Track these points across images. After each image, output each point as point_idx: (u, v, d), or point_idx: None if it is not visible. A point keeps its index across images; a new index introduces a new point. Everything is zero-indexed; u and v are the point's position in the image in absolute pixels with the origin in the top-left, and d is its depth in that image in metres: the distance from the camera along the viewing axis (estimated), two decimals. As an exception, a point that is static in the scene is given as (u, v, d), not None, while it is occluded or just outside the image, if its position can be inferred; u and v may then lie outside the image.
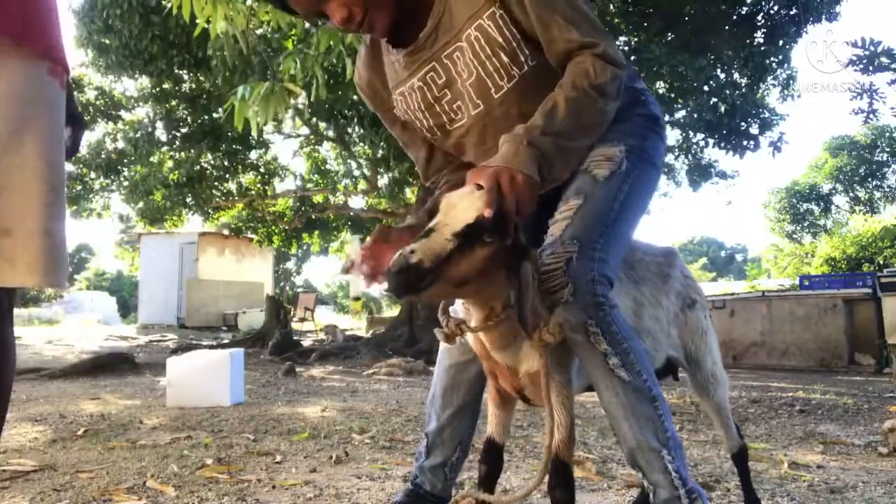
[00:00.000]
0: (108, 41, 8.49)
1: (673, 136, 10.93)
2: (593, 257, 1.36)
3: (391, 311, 26.75)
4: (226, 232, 17.01)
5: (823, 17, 8.66)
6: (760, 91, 10.39)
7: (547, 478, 1.34)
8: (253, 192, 12.71)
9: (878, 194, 22.24)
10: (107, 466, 2.68)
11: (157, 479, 2.44)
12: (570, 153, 1.40)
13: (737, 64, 9.29)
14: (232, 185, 12.39)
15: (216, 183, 11.92)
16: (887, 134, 21.07)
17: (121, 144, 11.39)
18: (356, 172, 13.49)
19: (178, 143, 11.20)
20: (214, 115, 10.64)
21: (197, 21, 4.01)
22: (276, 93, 4.08)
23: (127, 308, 31.95)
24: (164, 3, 8.22)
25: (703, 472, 2.64)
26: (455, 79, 1.48)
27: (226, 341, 12.01)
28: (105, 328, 17.80)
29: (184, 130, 11.10)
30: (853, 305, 8.50)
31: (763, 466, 2.76)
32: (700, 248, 53.80)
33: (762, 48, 9.25)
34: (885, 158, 21.92)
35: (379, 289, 1.37)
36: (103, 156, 11.37)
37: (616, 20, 9.08)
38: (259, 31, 7.34)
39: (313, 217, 14.07)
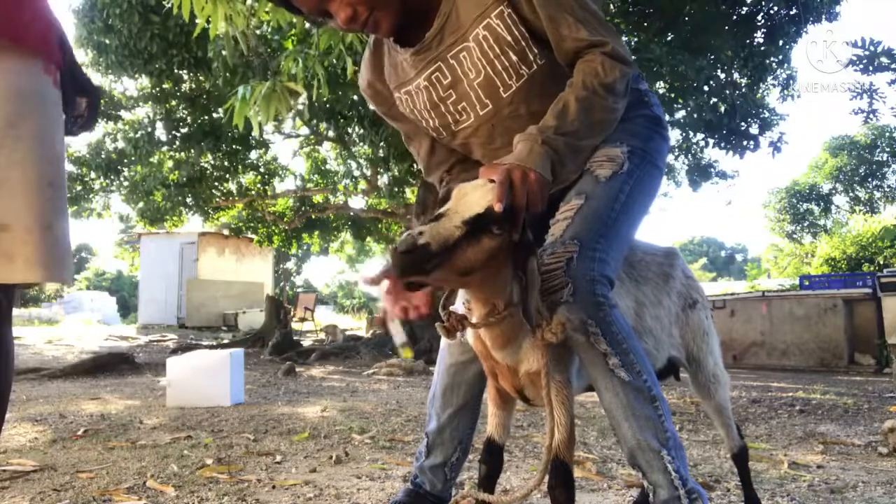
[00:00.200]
0: (107, 41, 8.49)
1: (673, 136, 10.93)
2: (594, 257, 1.36)
3: (391, 311, 26.71)
4: (226, 232, 17.02)
5: (823, 17, 8.66)
6: (760, 91, 10.39)
7: (547, 477, 1.35)
8: (253, 192, 12.71)
9: (878, 194, 22.22)
10: (107, 466, 2.68)
11: (157, 479, 2.44)
12: (581, 152, 1.40)
13: (737, 64, 9.29)
14: (232, 186, 12.39)
15: (216, 183, 11.92)
16: (887, 134, 21.05)
17: (121, 144, 11.39)
18: (356, 172, 13.49)
19: (178, 143, 11.19)
20: (214, 115, 10.63)
21: (197, 21, 4.00)
22: (278, 92, 4.08)
23: (127, 308, 31.98)
24: (163, 2, 8.23)
25: (703, 472, 2.64)
26: (461, 79, 1.48)
27: (226, 341, 12.02)
28: (105, 328, 17.80)
29: (184, 130, 11.09)
30: (853, 305, 8.50)
31: (763, 466, 2.76)
32: (700, 248, 53.81)
33: (762, 48, 9.25)
34: (885, 158, 21.90)
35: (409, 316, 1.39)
36: (103, 156, 11.37)
37: (616, 20, 9.07)
38: (259, 32, 7.34)
39: (313, 217, 14.07)
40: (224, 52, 7.15)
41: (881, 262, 14.77)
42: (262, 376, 6.74)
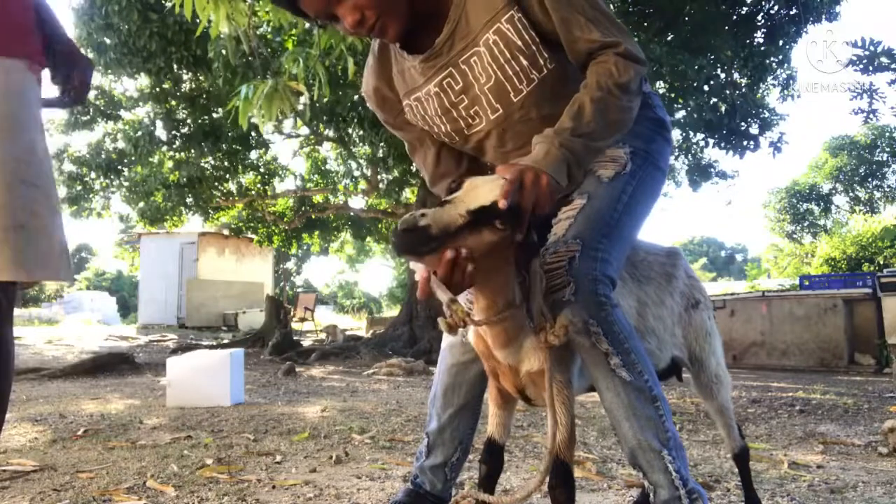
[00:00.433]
0: (107, 39, 8.49)
1: (673, 136, 10.90)
2: (596, 257, 1.36)
3: (391, 312, 26.78)
4: (226, 232, 17.02)
5: (823, 17, 8.66)
6: (760, 91, 10.39)
7: (547, 478, 1.34)
8: (253, 192, 12.70)
9: (878, 194, 22.22)
10: (107, 466, 2.68)
11: (157, 479, 2.44)
12: (598, 153, 1.40)
13: (737, 64, 9.29)
14: (232, 186, 12.38)
15: (216, 183, 11.91)
16: (887, 134, 21.05)
17: (121, 144, 11.38)
18: (356, 172, 13.48)
19: (178, 143, 11.19)
20: (214, 115, 10.63)
21: (198, 20, 4.00)
22: (280, 92, 4.08)
23: (127, 308, 31.99)
24: (163, 0, 8.23)
25: (704, 472, 2.64)
26: (472, 84, 1.47)
27: (226, 341, 12.02)
28: (105, 328, 17.80)
29: (184, 130, 11.09)
30: (853, 305, 8.50)
31: (763, 466, 2.76)
32: (700, 248, 53.82)
33: (762, 48, 9.25)
34: (885, 158, 21.89)
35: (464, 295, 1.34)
36: (103, 156, 11.36)
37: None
38: (259, 31, 7.34)
39: (313, 217, 14.06)
40: (224, 52, 7.15)
41: (881, 262, 14.76)
42: (262, 376, 6.74)
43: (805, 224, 22.80)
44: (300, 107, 9.26)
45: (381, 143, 8.77)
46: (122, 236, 26.70)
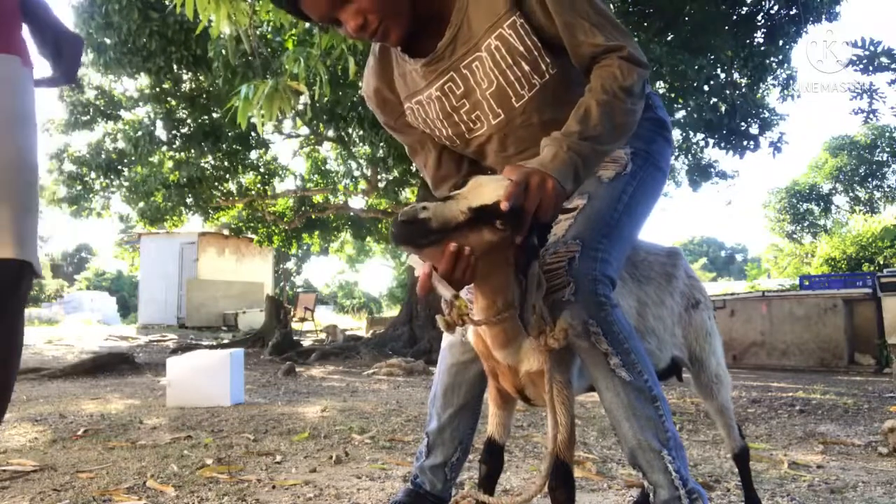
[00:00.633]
0: (106, 39, 8.48)
1: (673, 135, 10.91)
2: (596, 257, 1.37)
3: (391, 311, 26.78)
4: (226, 232, 17.01)
5: (823, 17, 8.66)
6: (760, 91, 10.39)
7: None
8: (253, 192, 12.70)
9: (878, 194, 22.22)
10: (107, 466, 2.68)
11: (157, 479, 2.44)
12: (603, 157, 1.40)
13: (737, 64, 9.29)
14: (232, 186, 12.37)
15: (216, 183, 11.90)
16: (887, 134, 21.04)
17: (121, 144, 11.38)
18: (356, 172, 13.48)
19: (178, 143, 11.19)
20: (214, 115, 10.62)
21: (199, 19, 3.99)
22: (280, 91, 4.07)
23: (127, 308, 32.00)
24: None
25: (703, 472, 2.64)
26: (473, 89, 1.47)
27: (226, 341, 12.02)
28: (105, 328, 17.81)
29: (184, 130, 11.09)
30: (853, 305, 8.50)
31: (763, 466, 2.76)
32: (700, 248, 53.83)
33: (762, 48, 9.25)
34: (885, 158, 21.89)
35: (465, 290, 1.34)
36: (103, 156, 11.36)
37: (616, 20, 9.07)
38: (259, 31, 7.33)
39: (313, 217, 14.06)
40: (224, 52, 7.14)
41: (881, 262, 14.76)
42: (262, 376, 6.74)
43: (805, 224, 22.80)
44: (300, 106, 9.27)
45: (381, 143, 8.76)
46: (122, 236, 26.69)
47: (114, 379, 6.52)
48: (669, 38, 9.02)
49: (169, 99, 10.76)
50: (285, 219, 13.68)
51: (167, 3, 7.99)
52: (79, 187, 11.90)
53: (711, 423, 3.40)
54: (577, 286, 1.33)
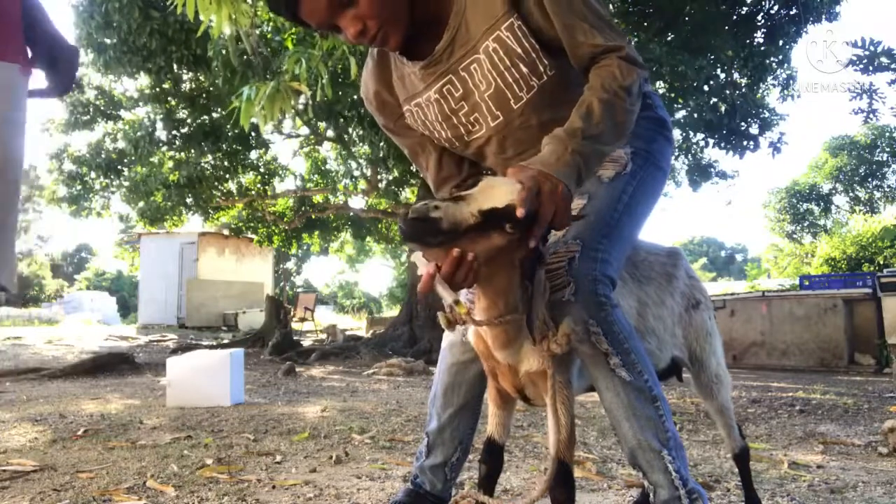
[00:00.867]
0: (106, 38, 8.48)
1: (673, 135, 10.92)
2: (596, 257, 1.37)
3: (391, 311, 26.78)
4: (226, 232, 17.00)
5: (823, 17, 8.66)
6: (760, 91, 10.38)
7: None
8: (253, 192, 12.70)
9: (878, 194, 22.22)
10: (107, 466, 2.68)
11: (157, 479, 2.44)
12: (604, 157, 1.39)
13: (737, 64, 9.29)
14: (232, 186, 12.37)
15: (216, 183, 11.90)
16: (887, 134, 21.05)
17: (121, 144, 11.37)
18: (356, 172, 13.48)
19: (178, 143, 11.19)
20: (214, 115, 10.62)
21: (200, 19, 3.99)
22: (282, 92, 4.07)
23: (127, 308, 32.01)
24: (165, -1, 8.24)
25: (703, 472, 2.64)
26: (472, 91, 1.48)
27: (226, 341, 12.02)
28: (105, 328, 17.80)
29: (184, 130, 11.08)
30: (853, 305, 8.50)
31: (763, 466, 2.76)
32: (700, 248, 53.85)
33: (762, 48, 9.25)
34: (885, 158, 21.89)
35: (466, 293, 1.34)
36: (103, 156, 11.36)
37: (616, 20, 9.07)
38: (259, 31, 7.33)
39: (313, 217, 14.05)
40: (224, 52, 7.14)
41: (881, 262, 14.76)
42: (262, 376, 6.74)
43: (805, 224, 22.80)
44: (300, 106, 9.26)
45: (381, 143, 8.76)
46: (122, 236, 26.69)
47: (114, 379, 6.52)
48: (669, 38, 9.02)
49: (169, 99, 10.75)
50: (285, 219, 13.67)
51: (168, 1, 8.00)
52: (79, 187, 11.89)
53: (711, 423, 3.40)
54: (577, 286, 1.33)
